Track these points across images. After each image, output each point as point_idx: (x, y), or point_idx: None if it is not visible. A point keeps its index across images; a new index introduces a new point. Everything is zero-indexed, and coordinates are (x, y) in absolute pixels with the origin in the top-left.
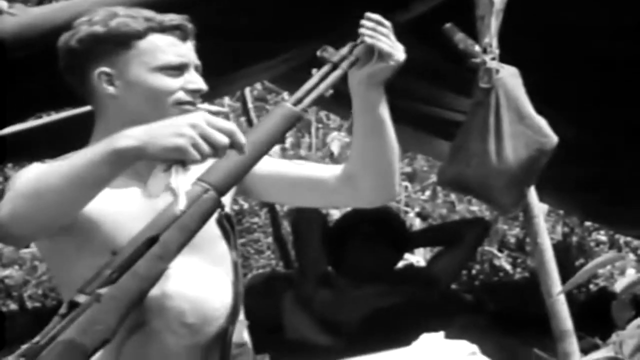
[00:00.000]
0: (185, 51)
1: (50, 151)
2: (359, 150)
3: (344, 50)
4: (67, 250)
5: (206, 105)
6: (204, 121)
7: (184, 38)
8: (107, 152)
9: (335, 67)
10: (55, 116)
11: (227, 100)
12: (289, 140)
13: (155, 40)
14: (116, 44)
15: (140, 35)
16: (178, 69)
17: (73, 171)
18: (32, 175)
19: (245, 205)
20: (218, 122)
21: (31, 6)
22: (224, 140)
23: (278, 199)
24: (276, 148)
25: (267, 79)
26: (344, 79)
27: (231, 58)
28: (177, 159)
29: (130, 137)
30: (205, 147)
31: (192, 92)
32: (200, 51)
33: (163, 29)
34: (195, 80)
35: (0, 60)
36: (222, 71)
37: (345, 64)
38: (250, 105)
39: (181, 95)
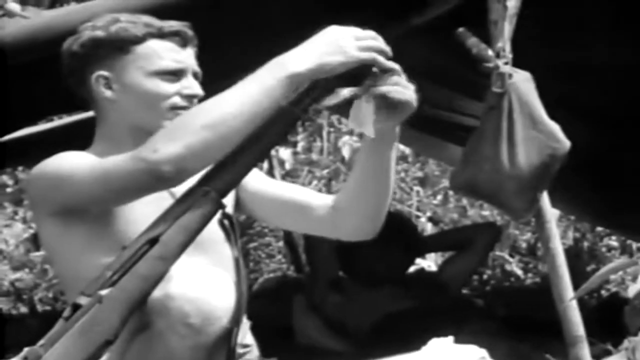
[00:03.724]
0: (184, 57)
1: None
2: (356, 190)
3: None
4: (76, 242)
5: None
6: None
7: (183, 44)
8: (283, 77)
9: None
10: (62, 120)
11: None
12: (300, 145)
13: (153, 45)
14: (115, 48)
15: (139, 40)
16: (175, 74)
17: (249, 99)
18: (201, 106)
19: None
20: (358, 31)
21: (43, 9)
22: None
23: (265, 218)
24: (287, 152)
25: None
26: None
27: (242, 60)
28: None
29: (300, 59)
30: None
31: (188, 98)
32: (210, 54)
33: (162, 35)
34: (191, 85)
35: (5, 64)
36: (232, 74)
37: None
38: None
39: (177, 100)
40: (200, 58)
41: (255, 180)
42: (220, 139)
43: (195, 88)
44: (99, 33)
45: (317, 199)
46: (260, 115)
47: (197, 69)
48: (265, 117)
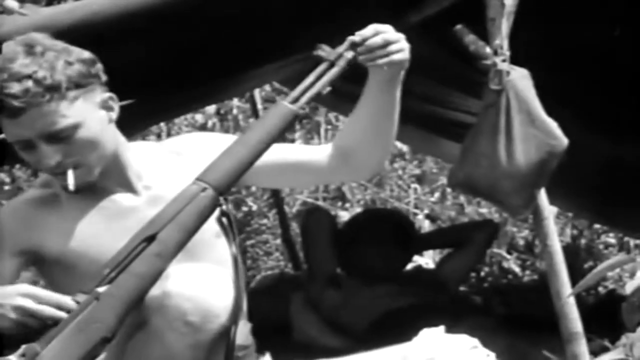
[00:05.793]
0: (19, 129)
1: None
2: (364, 128)
3: (341, 48)
4: (58, 276)
5: None
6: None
7: (13, 115)
8: None
9: (332, 65)
10: None
11: (236, 101)
12: (298, 142)
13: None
14: None
15: None
16: (24, 144)
17: None
18: None
19: (254, 207)
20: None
21: (41, 7)
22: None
23: (273, 184)
24: None
25: (277, 80)
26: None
27: (242, 58)
28: None
29: None
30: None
31: (49, 168)
32: (209, 52)
33: None
34: (40, 159)
35: None
36: (231, 72)
37: (342, 62)
38: (259, 106)
39: (47, 171)
40: (203, 55)
41: None
42: None
43: (45, 160)
44: None
45: (318, 152)
46: None
47: (49, 131)
48: None
